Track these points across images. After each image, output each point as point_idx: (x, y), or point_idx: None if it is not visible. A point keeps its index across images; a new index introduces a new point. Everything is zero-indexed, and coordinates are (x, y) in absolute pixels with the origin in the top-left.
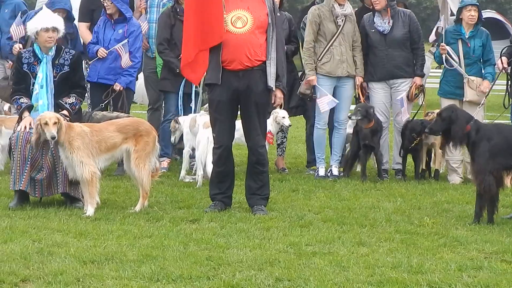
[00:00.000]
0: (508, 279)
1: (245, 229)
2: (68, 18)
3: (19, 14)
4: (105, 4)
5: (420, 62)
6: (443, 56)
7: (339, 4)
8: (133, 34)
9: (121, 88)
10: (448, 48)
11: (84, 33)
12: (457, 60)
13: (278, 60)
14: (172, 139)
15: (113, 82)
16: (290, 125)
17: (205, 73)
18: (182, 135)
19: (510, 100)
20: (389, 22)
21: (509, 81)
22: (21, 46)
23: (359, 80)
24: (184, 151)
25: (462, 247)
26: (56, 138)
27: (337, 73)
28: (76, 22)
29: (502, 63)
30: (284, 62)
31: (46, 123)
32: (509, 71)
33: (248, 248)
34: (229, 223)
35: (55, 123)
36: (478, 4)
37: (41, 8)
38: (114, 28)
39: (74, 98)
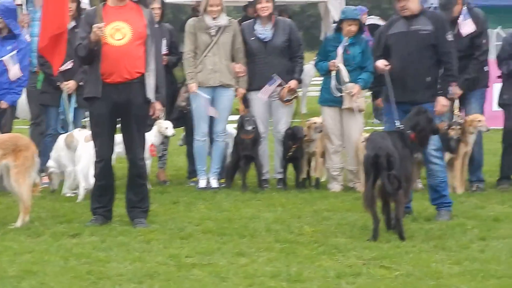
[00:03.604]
0: (386, 284)
1: (125, 243)
2: None
3: None
4: None
5: (298, 68)
6: (333, 72)
7: (213, 17)
8: (22, 51)
9: (7, 106)
10: (341, 67)
11: None
12: (347, 80)
13: (157, 71)
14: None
15: None
16: (173, 134)
17: (85, 87)
18: None
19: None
20: (271, 29)
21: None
22: None
23: (239, 92)
24: (68, 170)
25: (341, 254)
26: None
27: (209, 83)
28: None
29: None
30: (163, 74)
31: None
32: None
33: (128, 261)
34: (110, 237)
35: None
36: (359, 18)
37: None
38: (3, 45)
39: None
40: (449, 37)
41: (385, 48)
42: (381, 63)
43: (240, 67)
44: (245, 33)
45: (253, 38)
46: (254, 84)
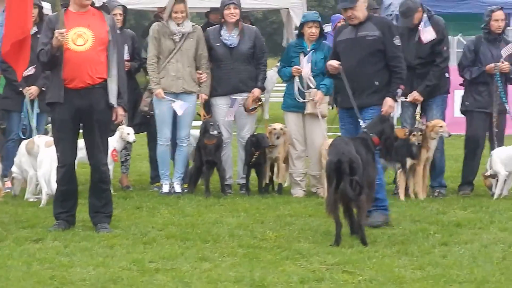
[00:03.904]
0: None
1: (88, 248)
2: None
3: None
4: None
5: (261, 76)
6: (296, 78)
7: (177, 24)
8: None
9: None
10: (305, 73)
11: None
12: (313, 85)
13: (119, 77)
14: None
15: None
16: (134, 141)
17: (47, 92)
18: None
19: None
20: (238, 35)
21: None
22: None
23: (201, 98)
24: (30, 174)
25: (304, 259)
26: None
27: (172, 89)
28: None
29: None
30: (125, 79)
31: None
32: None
33: (91, 267)
34: (73, 242)
35: None
36: (319, 20)
37: None
38: None
39: None
40: (397, 41)
41: (335, 55)
42: (334, 62)
43: (201, 74)
44: (211, 38)
45: (218, 44)
46: (220, 90)
